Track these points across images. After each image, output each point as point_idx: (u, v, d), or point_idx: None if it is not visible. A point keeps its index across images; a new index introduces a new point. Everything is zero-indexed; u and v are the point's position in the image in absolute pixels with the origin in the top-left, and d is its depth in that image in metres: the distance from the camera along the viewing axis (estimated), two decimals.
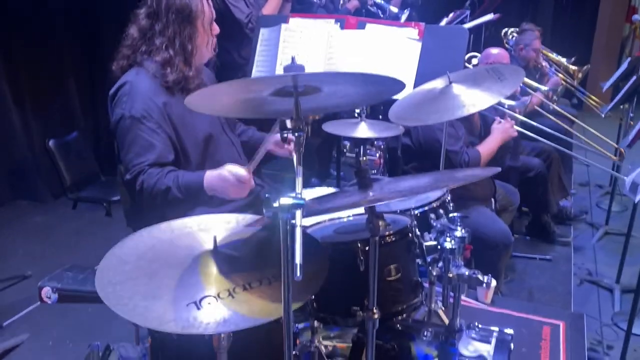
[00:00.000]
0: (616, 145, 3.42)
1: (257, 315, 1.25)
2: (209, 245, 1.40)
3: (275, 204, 1.12)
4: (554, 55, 4.81)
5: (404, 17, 4.09)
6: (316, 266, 1.39)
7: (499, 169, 1.66)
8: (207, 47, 2.08)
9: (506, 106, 3.01)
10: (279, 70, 2.66)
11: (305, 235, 1.19)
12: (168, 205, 1.93)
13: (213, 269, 1.35)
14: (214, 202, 2.00)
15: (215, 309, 1.24)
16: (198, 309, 1.23)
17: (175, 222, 1.52)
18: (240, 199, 1.94)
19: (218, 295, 1.27)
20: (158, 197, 1.89)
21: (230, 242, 1.46)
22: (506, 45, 4.71)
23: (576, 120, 4.05)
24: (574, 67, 4.72)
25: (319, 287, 1.36)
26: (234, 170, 1.85)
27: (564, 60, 4.80)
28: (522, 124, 3.06)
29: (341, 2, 4.12)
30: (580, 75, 4.72)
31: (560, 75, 4.66)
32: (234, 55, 3.45)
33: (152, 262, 1.37)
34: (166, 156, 1.95)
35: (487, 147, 2.84)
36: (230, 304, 1.25)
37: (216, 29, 2.11)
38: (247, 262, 1.41)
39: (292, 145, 1.41)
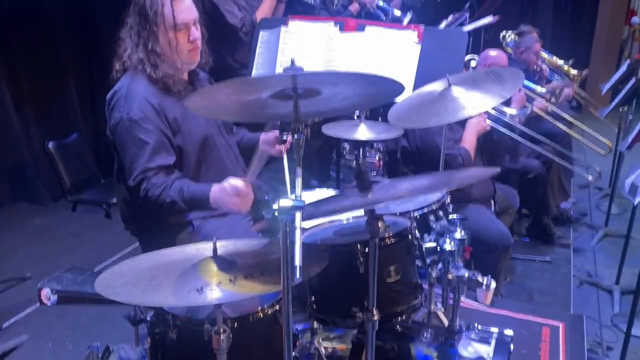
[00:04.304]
0: (606, 141, 3.43)
1: (258, 292, 1.28)
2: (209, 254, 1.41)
3: (275, 206, 1.12)
4: (552, 58, 4.80)
5: (406, 20, 4.09)
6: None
7: (498, 169, 1.66)
8: (175, 51, 1.99)
9: (508, 115, 3.01)
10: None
11: None
12: (171, 212, 1.96)
13: (214, 268, 1.36)
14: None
15: (217, 293, 1.26)
16: (199, 294, 1.25)
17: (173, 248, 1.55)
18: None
19: (219, 284, 1.29)
20: (163, 208, 1.90)
21: (231, 249, 1.47)
22: (506, 48, 4.70)
23: (575, 122, 4.05)
24: (574, 72, 4.71)
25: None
26: (233, 182, 1.81)
27: (561, 62, 4.80)
28: (522, 134, 3.07)
29: (335, 2, 4.08)
30: (578, 79, 4.72)
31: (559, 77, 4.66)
32: (228, 59, 3.39)
33: (152, 270, 1.39)
34: (167, 159, 1.96)
35: (469, 143, 2.79)
36: (231, 289, 1.27)
37: (194, 34, 2.00)
38: (248, 264, 1.41)
39: (282, 146, 1.41)
